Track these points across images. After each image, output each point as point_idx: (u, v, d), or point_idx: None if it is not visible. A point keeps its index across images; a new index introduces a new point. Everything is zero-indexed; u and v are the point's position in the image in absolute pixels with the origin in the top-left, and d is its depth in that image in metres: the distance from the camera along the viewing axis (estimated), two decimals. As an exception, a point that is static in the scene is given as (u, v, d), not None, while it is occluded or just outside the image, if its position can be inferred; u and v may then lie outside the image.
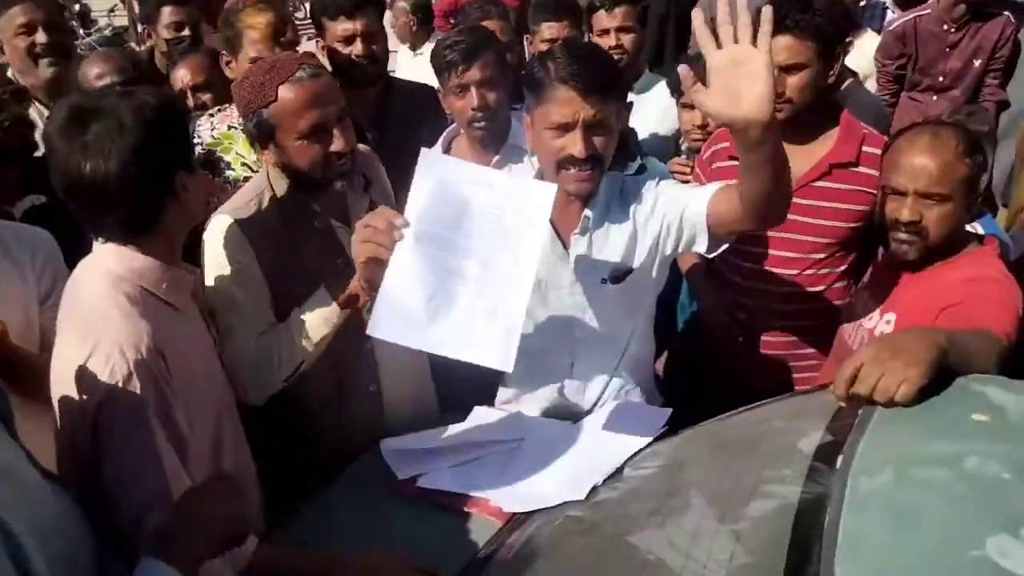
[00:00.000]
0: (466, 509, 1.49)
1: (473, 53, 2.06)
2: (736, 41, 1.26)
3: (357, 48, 2.35)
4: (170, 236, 1.41)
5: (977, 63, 3.74)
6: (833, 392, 1.21)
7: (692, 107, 2.39)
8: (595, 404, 1.78)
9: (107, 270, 1.36)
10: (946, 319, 1.50)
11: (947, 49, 3.77)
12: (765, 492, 1.15)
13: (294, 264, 1.65)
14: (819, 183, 1.95)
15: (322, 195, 1.68)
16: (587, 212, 1.66)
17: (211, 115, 2.25)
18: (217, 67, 2.40)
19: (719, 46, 1.27)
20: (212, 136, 2.19)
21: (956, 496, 0.97)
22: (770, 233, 1.99)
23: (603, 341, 1.74)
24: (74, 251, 1.49)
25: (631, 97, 1.83)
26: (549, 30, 2.62)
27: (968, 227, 1.78)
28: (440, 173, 1.45)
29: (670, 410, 1.66)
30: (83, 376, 1.28)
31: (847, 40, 2.53)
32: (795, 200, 1.92)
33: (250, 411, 1.66)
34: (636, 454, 1.52)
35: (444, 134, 2.28)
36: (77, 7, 8.72)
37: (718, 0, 1.29)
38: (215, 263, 1.63)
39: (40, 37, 2.49)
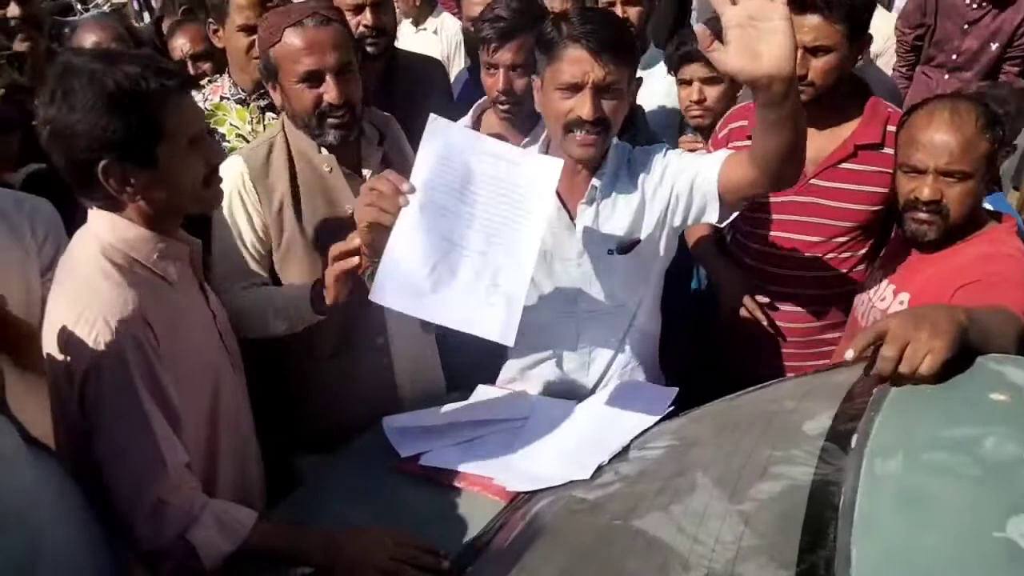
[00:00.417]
0: (469, 488, 1.48)
1: (509, 34, 1.99)
2: None
3: (366, 18, 2.30)
4: (159, 207, 1.35)
5: (994, 46, 3.59)
6: (849, 347, 1.15)
7: (689, 83, 2.34)
8: (600, 379, 1.76)
9: (97, 238, 1.34)
10: (962, 297, 1.47)
11: (965, 26, 3.62)
12: (775, 473, 1.12)
13: (296, 207, 1.69)
14: (845, 165, 1.88)
15: (334, 144, 1.69)
16: (594, 182, 1.63)
17: (202, 86, 2.22)
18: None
19: (734, 2, 1.23)
20: (205, 108, 2.15)
21: (975, 477, 0.94)
22: (793, 217, 1.94)
23: (609, 313, 1.72)
24: (73, 220, 1.46)
25: (638, 73, 1.79)
26: (552, 1, 2.57)
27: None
28: (447, 141, 1.43)
29: (676, 389, 1.64)
30: (68, 345, 1.26)
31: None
32: (819, 183, 1.90)
33: (259, 364, 1.67)
34: (642, 434, 1.50)
35: (475, 106, 2.24)
36: (75, -17, 8.62)
37: None
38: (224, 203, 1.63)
39: (12, 10, 2.45)
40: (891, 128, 1.86)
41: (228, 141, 2.13)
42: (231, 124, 2.17)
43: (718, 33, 1.26)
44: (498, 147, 1.49)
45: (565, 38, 1.52)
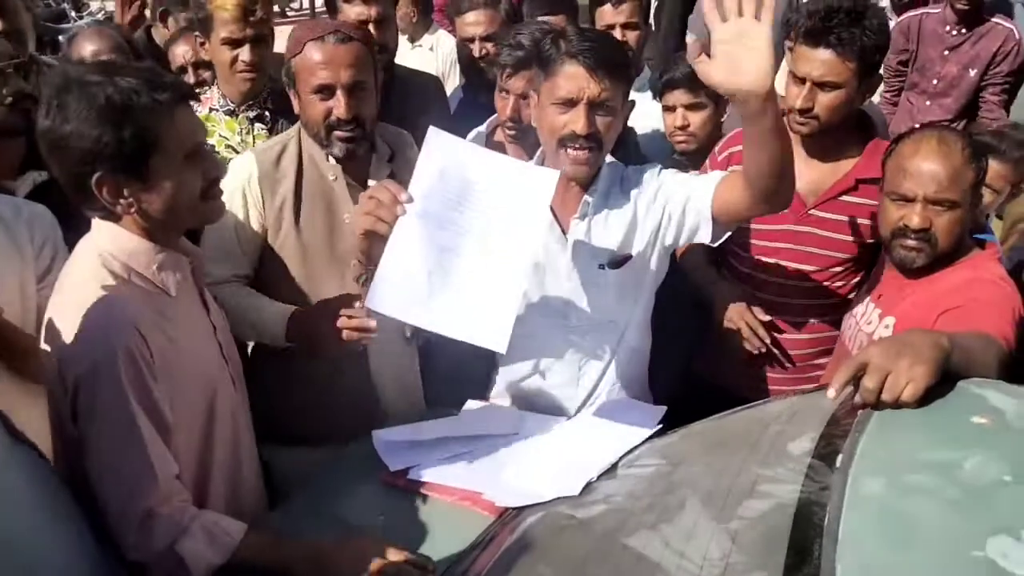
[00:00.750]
0: (458, 503, 1.48)
1: (525, 64, 1.99)
2: (740, 15, 1.32)
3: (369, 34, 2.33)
4: (154, 220, 1.35)
5: (972, 72, 3.64)
6: (831, 386, 1.17)
7: (673, 109, 2.37)
8: (590, 394, 1.77)
9: (97, 247, 1.34)
10: (945, 323, 1.50)
11: (946, 52, 3.67)
12: (761, 492, 1.14)
13: (296, 208, 1.76)
14: (845, 197, 1.89)
15: (339, 156, 1.75)
16: (587, 197, 1.66)
17: (200, 97, 2.23)
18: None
19: (724, 20, 1.33)
20: None
21: (956, 498, 0.96)
22: (788, 245, 1.95)
23: (599, 328, 1.74)
24: (75, 229, 1.46)
25: (632, 95, 1.82)
26: None
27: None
28: (445, 152, 1.47)
29: (664, 408, 1.66)
30: (63, 354, 1.26)
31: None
32: (819, 214, 1.91)
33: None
34: (631, 451, 1.51)
35: (490, 119, 2.26)
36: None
37: None
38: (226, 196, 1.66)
39: None
40: None
41: (218, 152, 2.14)
42: (220, 135, 2.19)
43: (707, 48, 1.34)
44: (495, 159, 1.53)
45: (563, 54, 1.56)
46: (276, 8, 10.29)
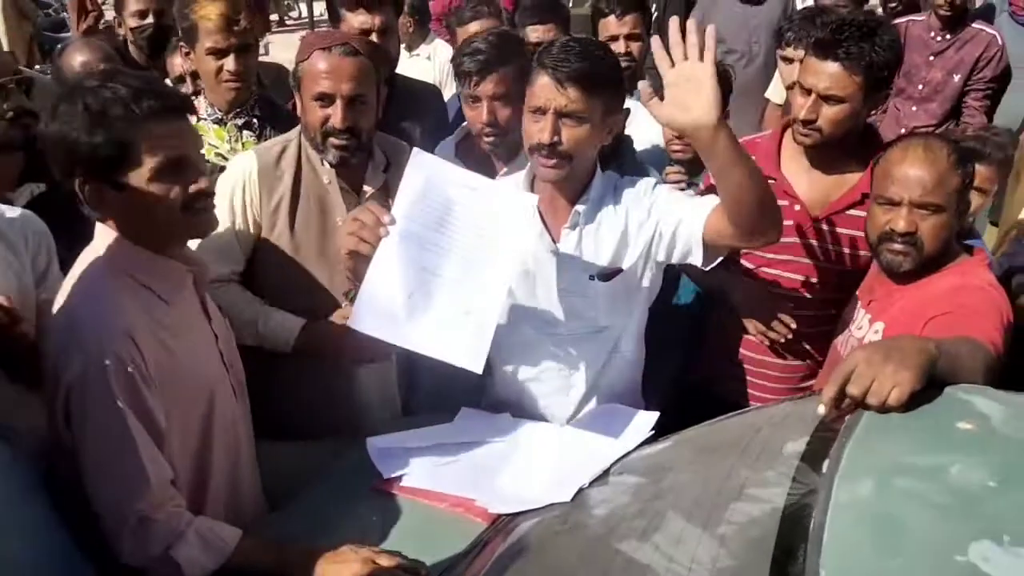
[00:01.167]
0: (451, 509, 1.49)
1: (489, 66, 1.98)
2: (686, 59, 1.41)
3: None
4: (136, 230, 1.36)
5: (956, 78, 3.68)
6: (823, 395, 1.18)
7: None
8: (581, 403, 1.78)
9: (99, 253, 1.36)
10: (933, 328, 1.51)
11: (931, 57, 3.73)
12: (750, 496, 1.15)
13: (292, 207, 1.82)
14: (852, 211, 1.89)
15: (332, 163, 1.80)
16: (578, 207, 1.67)
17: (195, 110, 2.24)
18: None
19: (672, 65, 1.42)
20: None
21: (941, 502, 0.98)
22: (792, 257, 1.94)
23: (590, 337, 1.74)
24: (75, 238, 1.48)
25: (630, 104, 1.82)
26: (535, 33, 2.60)
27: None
28: (428, 173, 1.52)
29: (656, 414, 1.66)
30: (57, 359, 1.28)
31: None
32: (825, 227, 1.92)
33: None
34: (622, 457, 1.52)
35: (459, 128, 2.25)
36: (66, -1, 8.66)
37: (670, 24, 1.43)
38: (219, 193, 1.66)
39: None
40: None
41: (208, 161, 2.15)
42: (209, 144, 2.19)
43: (659, 90, 1.45)
44: (477, 180, 1.56)
45: (538, 65, 1.60)
46: (275, 17, 10.37)
